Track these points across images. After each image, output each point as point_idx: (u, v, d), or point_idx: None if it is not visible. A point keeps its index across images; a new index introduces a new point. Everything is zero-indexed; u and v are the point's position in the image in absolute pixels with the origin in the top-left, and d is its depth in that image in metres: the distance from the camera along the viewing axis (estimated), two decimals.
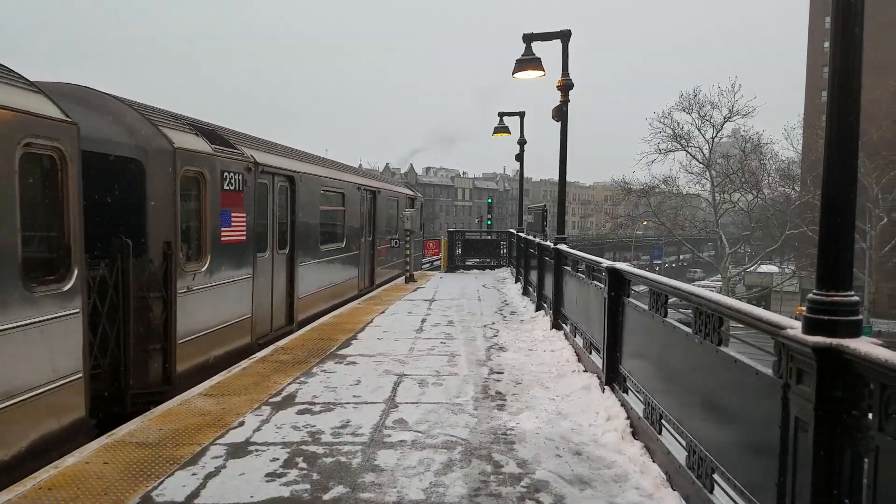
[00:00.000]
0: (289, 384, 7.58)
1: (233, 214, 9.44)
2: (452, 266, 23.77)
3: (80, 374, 6.12)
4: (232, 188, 9.41)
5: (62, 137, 5.86)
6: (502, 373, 8.20)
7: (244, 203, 9.79)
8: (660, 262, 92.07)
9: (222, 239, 9.14)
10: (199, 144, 8.69)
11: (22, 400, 5.41)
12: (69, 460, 5.20)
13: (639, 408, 5.73)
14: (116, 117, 7.81)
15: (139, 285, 7.46)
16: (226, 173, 9.22)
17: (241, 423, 6.17)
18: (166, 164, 7.87)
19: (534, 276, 14.53)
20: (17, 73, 5.77)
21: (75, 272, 6.06)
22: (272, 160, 11.16)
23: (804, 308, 2.94)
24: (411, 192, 24.72)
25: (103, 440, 5.70)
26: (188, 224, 8.56)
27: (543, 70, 12.15)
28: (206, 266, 8.71)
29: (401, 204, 22.10)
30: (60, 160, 5.90)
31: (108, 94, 8.06)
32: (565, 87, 11.40)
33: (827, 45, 2.92)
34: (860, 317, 2.85)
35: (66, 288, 5.97)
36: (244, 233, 9.78)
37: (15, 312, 5.29)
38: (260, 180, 10.43)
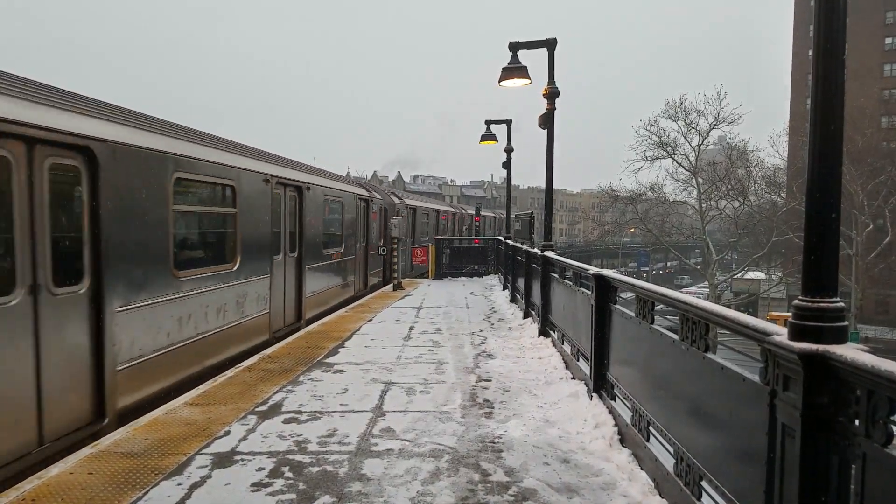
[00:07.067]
0: (275, 393, 7.53)
1: None
2: (440, 273, 23.72)
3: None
4: None
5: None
6: (490, 380, 8.18)
7: None
8: (647, 268, 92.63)
9: None
10: None
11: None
12: (53, 471, 5.13)
13: (626, 415, 5.72)
14: None
15: None
16: None
17: (227, 433, 6.12)
18: None
19: (521, 283, 14.53)
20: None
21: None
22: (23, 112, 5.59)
23: (789, 314, 2.95)
24: (365, 192, 19.58)
25: (87, 450, 5.63)
26: None
27: (529, 78, 12.22)
28: None
29: (346, 206, 17.08)
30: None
31: None
32: (551, 94, 11.46)
33: (811, 52, 2.94)
34: (846, 323, 2.86)
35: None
36: None
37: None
38: None
